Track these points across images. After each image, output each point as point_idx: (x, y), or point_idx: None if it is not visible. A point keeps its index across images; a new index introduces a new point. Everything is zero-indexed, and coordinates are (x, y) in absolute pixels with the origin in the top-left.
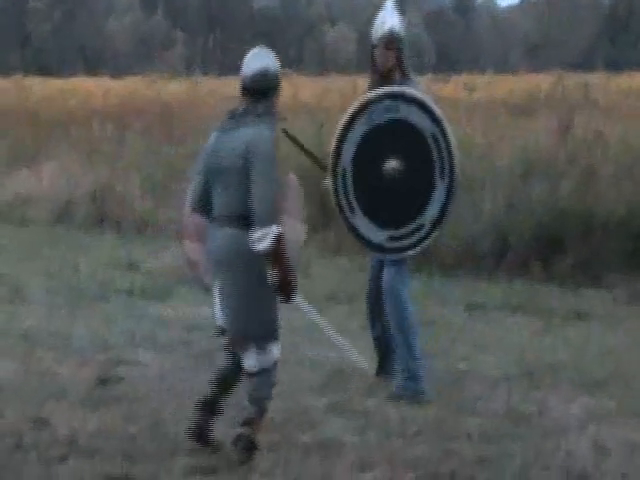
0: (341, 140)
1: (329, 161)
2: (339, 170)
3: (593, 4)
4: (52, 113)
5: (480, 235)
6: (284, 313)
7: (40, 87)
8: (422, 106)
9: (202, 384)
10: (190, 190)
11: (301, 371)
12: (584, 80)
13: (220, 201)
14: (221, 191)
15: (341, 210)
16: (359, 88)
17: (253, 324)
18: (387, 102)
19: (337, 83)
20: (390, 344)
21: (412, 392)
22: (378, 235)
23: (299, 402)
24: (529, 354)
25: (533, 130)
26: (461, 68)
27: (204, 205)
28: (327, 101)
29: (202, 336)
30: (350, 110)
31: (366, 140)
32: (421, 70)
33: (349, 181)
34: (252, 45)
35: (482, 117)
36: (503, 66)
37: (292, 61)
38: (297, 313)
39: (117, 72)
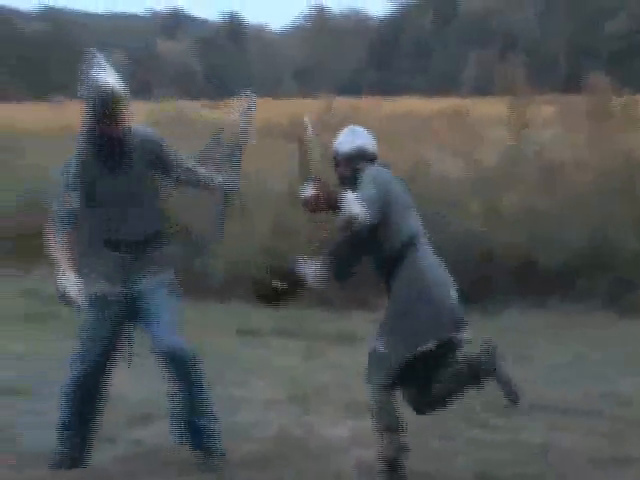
0: None
1: None
2: None
3: (362, 30)
4: None
5: (250, 259)
6: None
7: None
8: None
9: None
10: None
11: None
12: (352, 104)
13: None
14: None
15: None
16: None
17: None
18: None
19: None
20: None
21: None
22: None
23: None
24: (298, 378)
25: None
26: (233, 93)
27: None
28: None
29: None
30: None
31: None
32: (191, 95)
33: None
34: (21, 69)
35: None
36: (275, 90)
37: (64, 86)
38: None
39: None
